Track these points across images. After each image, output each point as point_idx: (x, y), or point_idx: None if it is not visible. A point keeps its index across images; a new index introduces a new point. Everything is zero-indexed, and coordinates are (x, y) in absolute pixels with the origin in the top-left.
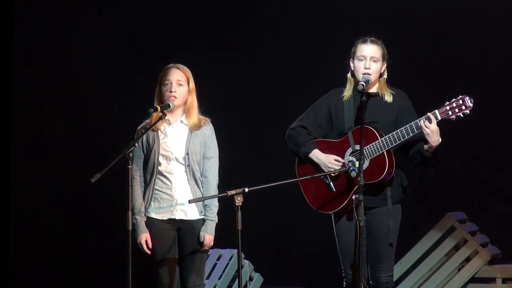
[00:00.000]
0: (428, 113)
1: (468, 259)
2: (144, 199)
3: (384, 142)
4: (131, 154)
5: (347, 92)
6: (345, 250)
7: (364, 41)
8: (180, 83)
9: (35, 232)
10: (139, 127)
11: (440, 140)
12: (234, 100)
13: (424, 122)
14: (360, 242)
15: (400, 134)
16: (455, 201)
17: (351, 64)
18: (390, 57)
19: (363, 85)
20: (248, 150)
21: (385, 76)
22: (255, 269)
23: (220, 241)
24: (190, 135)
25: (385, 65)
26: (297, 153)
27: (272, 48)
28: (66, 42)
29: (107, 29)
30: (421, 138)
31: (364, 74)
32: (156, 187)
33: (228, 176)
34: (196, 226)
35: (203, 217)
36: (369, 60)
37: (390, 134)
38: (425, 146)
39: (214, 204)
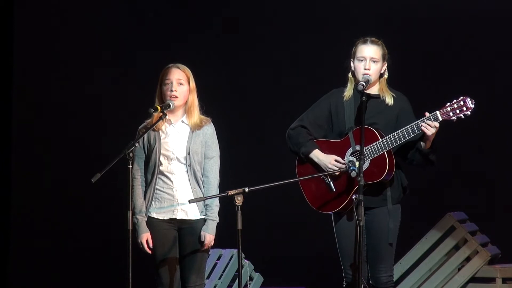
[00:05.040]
0: (429, 114)
1: (468, 259)
2: (145, 199)
3: (385, 143)
4: (131, 154)
5: (348, 92)
6: (345, 250)
7: (364, 42)
8: (180, 82)
9: (35, 232)
10: (140, 127)
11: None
12: (235, 100)
13: (425, 122)
14: (360, 242)
15: (401, 135)
16: (455, 201)
17: (352, 64)
18: (391, 58)
19: (363, 85)
20: (248, 150)
21: (386, 76)
22: (255, 269)
23: (221, 241)
24: (191, 135)
25: (386, 65)
26: (297, 153)
27: (272, 48)
28: (66, 42)
29: (107, 29)
30: (417, 140)
31: (364, 74)
32: (157, 186)
33: (228, 176)
34: (197, 226)
35: (204, 217)
36: (369, 61)
37: (391, 135)
38: (422, 144)
39: (215, 204)
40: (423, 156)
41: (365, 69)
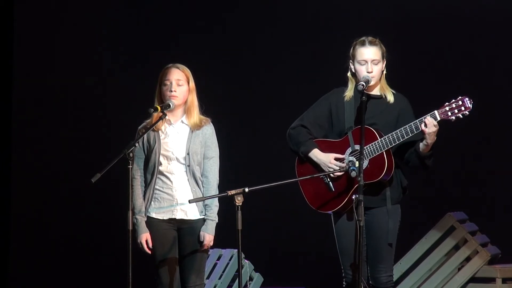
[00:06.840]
0: (427, 115)
1: (468, 259)
2: (144, 199)
3: (384, 142)
4: (131, 154)
5: (349, 92)
6: (345, 250)
7: (363, 44)
8: (180, 82)
9: (35, 233)
10: (139, 127)
11: (436, 138)
12: (234, 100)
13: (424, 122)
14: (360, 242)
15: (399, 134)
16: (455, 201)
17: (351, 66)
18: (390, 56)
19: (363, 85)
20: (248, 150)
21: (385, 72)
22: (255, 269)
23: (220, 241)
24: (191, 135)
25: (385, 62)
26: (297, 153)
27: (272, 48)
28: (66, 42)
29: (107, 28)
30: (415, 140)
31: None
32: (156, 187)
33: (228, 176)
34: (197, 226)
35: (203, 217)
36: (370, 64)
37: (389, 134)
38: (421, 145)
39: (215, 204)
40: (420, 159)
41: (368, 72)
